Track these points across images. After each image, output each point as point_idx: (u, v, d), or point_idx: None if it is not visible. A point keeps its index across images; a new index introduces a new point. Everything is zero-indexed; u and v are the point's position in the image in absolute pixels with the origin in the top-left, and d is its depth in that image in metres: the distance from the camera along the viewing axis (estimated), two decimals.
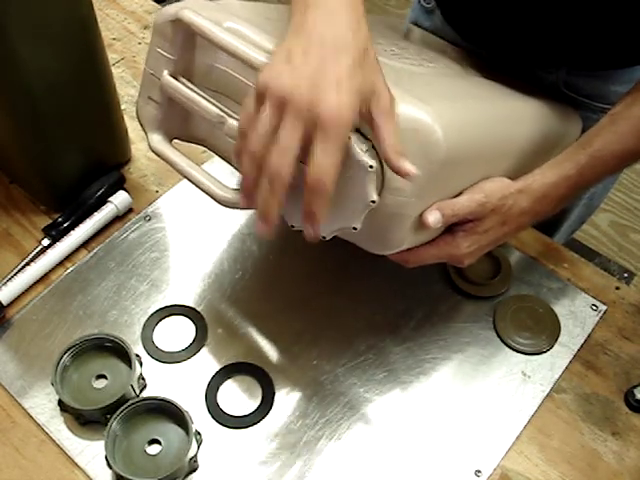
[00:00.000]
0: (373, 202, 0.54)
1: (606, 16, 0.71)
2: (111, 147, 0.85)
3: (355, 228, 0.56)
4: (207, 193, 0.61)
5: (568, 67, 0.81)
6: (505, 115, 0.68)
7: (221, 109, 0.59)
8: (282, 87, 0.49)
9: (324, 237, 0.58)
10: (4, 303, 0.74)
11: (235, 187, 0.60)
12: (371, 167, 0.53)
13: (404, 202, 0.56)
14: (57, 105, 0.74)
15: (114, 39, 1.02)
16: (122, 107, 0.86)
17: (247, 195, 0.54)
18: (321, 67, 0.50)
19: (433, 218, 0.60)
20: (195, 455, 0.65)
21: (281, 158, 0.50)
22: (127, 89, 0.96)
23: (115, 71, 0.91)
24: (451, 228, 0.64)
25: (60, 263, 0.79)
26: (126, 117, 0.87)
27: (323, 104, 0.49)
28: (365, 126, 0.53)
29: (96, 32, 0.75)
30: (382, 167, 0.54)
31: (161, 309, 0.75)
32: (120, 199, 0.82)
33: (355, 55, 0.51)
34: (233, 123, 0.58)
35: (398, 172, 0.53)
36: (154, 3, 1.08)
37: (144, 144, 0.90)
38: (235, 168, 0.67)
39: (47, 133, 0.76)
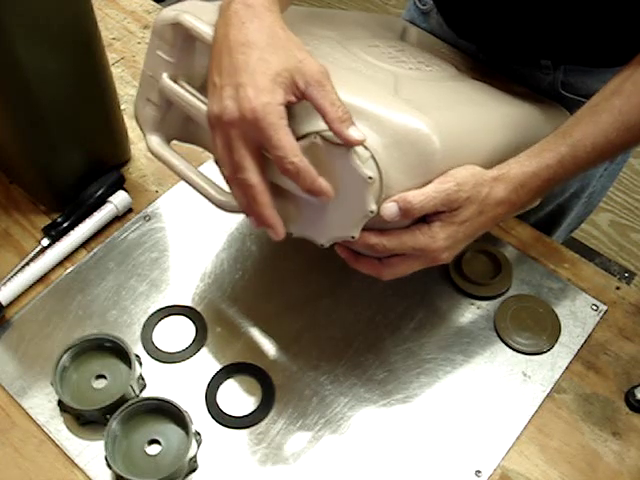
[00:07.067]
0: (372, 212, 0.55)
1: (603, 13, 0.71)
2: (111, 147, 0.85)
3: (353, 237, 0.57)
4: (205, 196, 0.62)
5: (565, 65, 0.81)
6: (500, 121, 0.68)
7: None
8: (212, 114, 0.54)
9: (322, 245, 0.59)
10: (4, 303, 0.74)
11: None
12: (370, 178, 0.54)
13: None
14: (57, 105, 0.74)
15: (114, 39, 1.02)
16: (122, 107, 0.86)
17: (246, 212, 0.57)
18: (239, 81, 0.53)
19: (389, 211, 0.56)
20: (195, 455, 0.65)
21: (243, 172, 0.54)
22: (127, 89, 0.96)
23: (115, 71, 0.91)
24: (426, 219, 0.59)
25: (60, 263, 0.79)
26: (126, 117, 0.87)
27: (245, 111, 0.52)
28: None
29: (96, 32, 0.75)
30: (381, 177, 0.55)
31: (161, 309, 0.75)
32: (120, 199, 0.82)
33: (260, 48, 0.53)
34: None
35: (348, 142, 0.53)
36: (154, 3, 1.08)
37: (144, 144, 0.89)
38: None
39: (47, 133, 0.76)
